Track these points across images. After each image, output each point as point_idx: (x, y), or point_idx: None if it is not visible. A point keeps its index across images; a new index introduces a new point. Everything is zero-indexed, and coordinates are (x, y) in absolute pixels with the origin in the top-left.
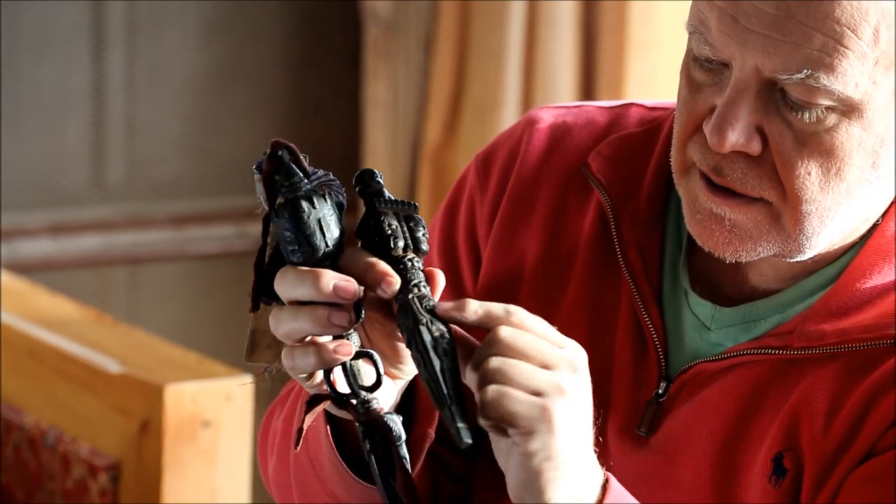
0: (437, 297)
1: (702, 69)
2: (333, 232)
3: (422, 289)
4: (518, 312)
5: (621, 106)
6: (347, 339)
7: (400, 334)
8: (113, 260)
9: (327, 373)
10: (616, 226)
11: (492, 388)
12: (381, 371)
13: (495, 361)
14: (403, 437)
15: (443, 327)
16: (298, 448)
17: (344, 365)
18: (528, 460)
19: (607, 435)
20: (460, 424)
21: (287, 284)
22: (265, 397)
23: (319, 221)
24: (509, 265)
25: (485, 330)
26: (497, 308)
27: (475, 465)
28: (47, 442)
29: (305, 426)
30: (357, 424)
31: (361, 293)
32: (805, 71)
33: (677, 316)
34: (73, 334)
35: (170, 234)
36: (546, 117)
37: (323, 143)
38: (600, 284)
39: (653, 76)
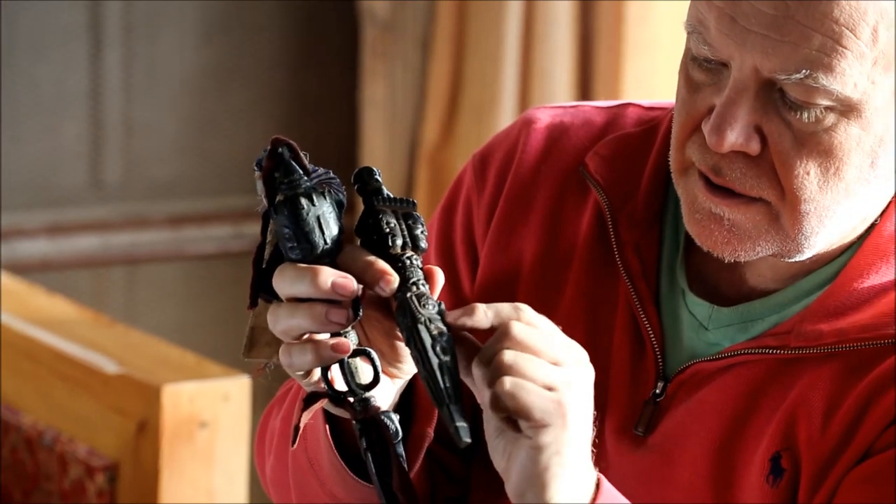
0: (435, 296)
1: (700, 69)
2: (332, 229)
3: (420, 287)
4: (527, 310)
5: (618, 106)
6: (345, 336)
7: (399, 332)
8: (110, 260)
9: (325, 370)
10: (613, 226)
11: (508, 380)
12: (379, 369)
13: (509, 355)
14: (400, 435)
15: (441, 326)
16: (295, 446)
17: (341, 362)
18: (538, 453)
19: (605, 435)
20: (459, 423)
21: (285, 281)
22: (262, 397)
23: (318, 219)
24: (507, 265)
25: (494, 329)
26: (506, 307)
27: (472, 466)
28: (44, 442)
29: (302, 424)
30: (354, 423)
31: (360, 291)
32: (804, 71)
33: (675, 316)
34: (71, 334)
35: (167, 234)
36: (543, 117)
37: (321, 144)
38: (598, 284)
39: (649, 76)
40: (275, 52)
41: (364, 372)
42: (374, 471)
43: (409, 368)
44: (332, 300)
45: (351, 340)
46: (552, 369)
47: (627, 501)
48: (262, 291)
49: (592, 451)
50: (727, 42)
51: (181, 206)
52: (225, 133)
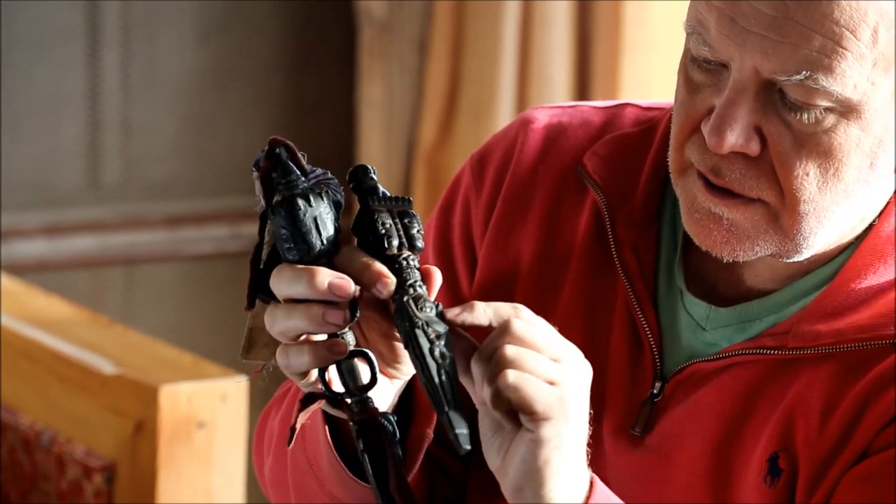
0: (433, 296)
1: (700, 70)
2: (329, 230)
3: (417, 289)
4: (525, 310)
5: (616, 106)
6: (342, 337)
7: (397, 333)
8: (108, 260)
9: (322, 371)
10: (611, 226)
11: (511, 373)
12: (377, 370)
13: (511, 350)
14: (398, 436)
15: (440, 329)
16: (291, 446)
17: (339, 364)
18: (539, 447)
19: (602, 435)
20: (459, 430)
21: (282, 282)
22: (260, 398)
23: (316, 220)
24: (505, 265)
25: (491, 329)
26: (505, 306)
27: (468, 467)
28: (42, 443)
29: (299, 425)
30: (351, 424)
31: (357, 292)
32: (804, 72)
33: (673, 316)
34: (68, 335)
35: (165, 234)
36: (541, 117)
37: (318, 144)
38: (596, 285)
39: (647, 76)
40: (272, 52)
41: (362, 373)
42: (371, 472)
43: (407, 369)
44: (329, 301)
45: (348, 341)
46: (553, 364)
47: (620, 501)
48: (260, 292)
49: (587, 452)
50: (727, 43)
51: (179, 206)
52: (223, 133)
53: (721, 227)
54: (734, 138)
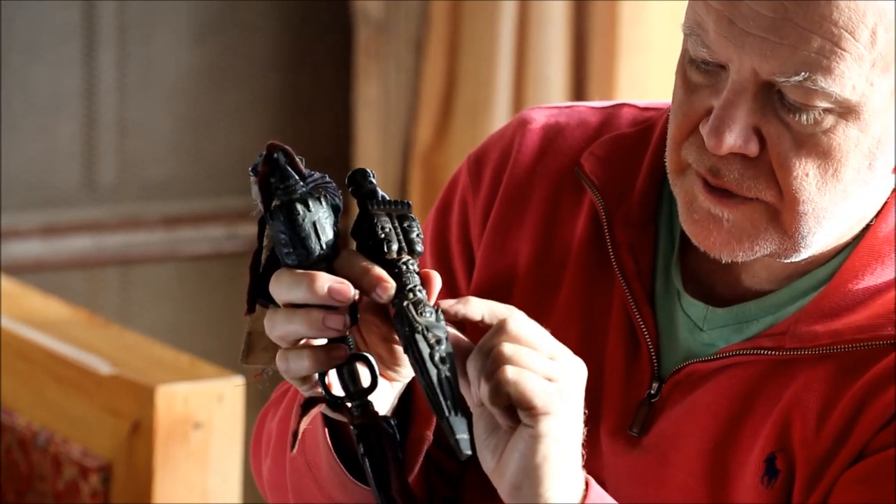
0: (433, 301)
1: (698, 71)
2: (328, 235)
3: (417, 293)
4: (519, 312)
5: (613, 106)
6: (342, 342)
7: (397, 337)
8: (104, 261)
9: (322, 375)
10: (609, 226)
11: (510, 369)
12: (377, 374)
13: (508, 347)
14: (398, 440)
15: (440, 334)
16: (294, 451)
17: (339, 367)
18: (538, 442)
19: (600, 435)
20: (460, 436)
21: (282, 287)
22: (257, 399)
23: (314, 224)
24: (502, 266)
25: (487, 327)
26: (500, 306)
27: (465, 468)
28: (38, 443)
29: (301, 429)
30: (352, 427)
31: (357, 296)
32: (802, 73)
33: (670, 316)
34: (65, 335)
35: (161, 235)
36: (538, 118)
37: (314, 144)
38: (593, 285)
39: (644, 77)
40: (269, 52)
41: (362, 376)
42: (371, 476)
43: (407, 372)
44: (328, 305)
45: (348, 345)
46: (550, 361)
47: (615, 502)
48: (260, 297)
49: (583, 452)
50: (725, 44)
51: (175, 206)
52: (219, 133)
53: (721, 227)
54: (733, 139)
